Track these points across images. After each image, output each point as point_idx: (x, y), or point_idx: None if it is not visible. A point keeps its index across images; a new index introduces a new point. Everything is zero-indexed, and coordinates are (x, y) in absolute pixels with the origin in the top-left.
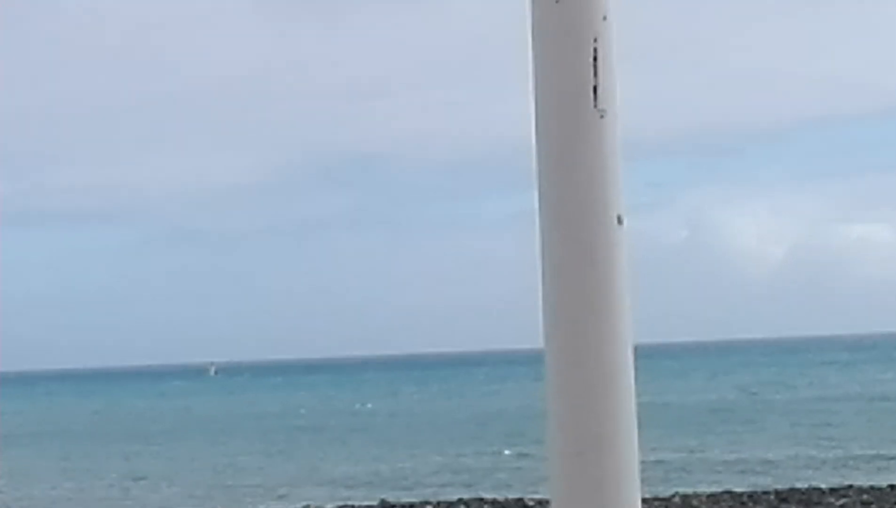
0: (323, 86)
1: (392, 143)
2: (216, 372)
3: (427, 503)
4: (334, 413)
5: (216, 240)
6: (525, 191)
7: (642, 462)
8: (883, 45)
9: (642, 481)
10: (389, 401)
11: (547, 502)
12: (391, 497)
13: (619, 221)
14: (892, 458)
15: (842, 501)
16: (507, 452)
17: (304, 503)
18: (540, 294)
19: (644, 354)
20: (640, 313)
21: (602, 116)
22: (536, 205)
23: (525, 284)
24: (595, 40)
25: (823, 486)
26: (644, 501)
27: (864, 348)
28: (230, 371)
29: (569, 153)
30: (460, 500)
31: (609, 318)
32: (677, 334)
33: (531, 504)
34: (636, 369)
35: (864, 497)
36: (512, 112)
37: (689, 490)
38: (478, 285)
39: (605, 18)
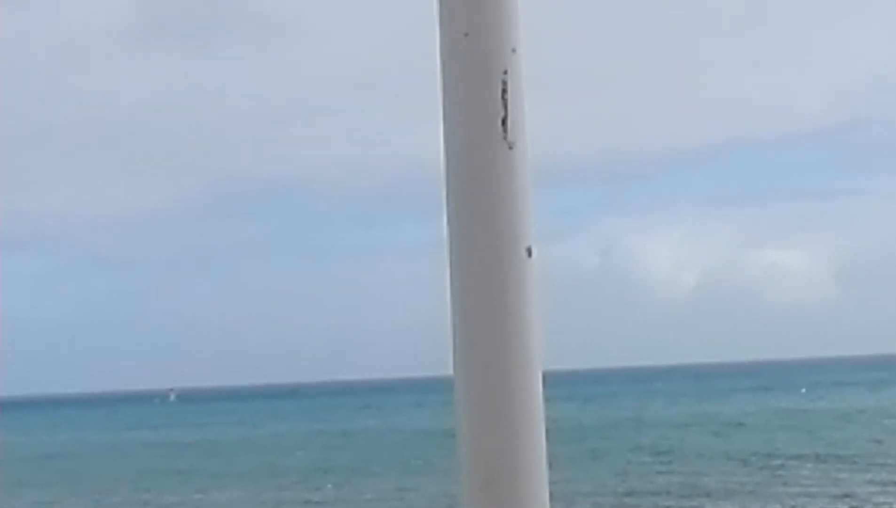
0: (234, 115)
1: (305, 170)
2: (176, 397)
3: None
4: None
5: (131, 267)
6: (439, 218)
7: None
8: (791, 74)
9: (556, 505)
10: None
11: None
12: None
13: (529, 253)
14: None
15: None
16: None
17: None
18: (449, 324)
19: (554, 381)
20: (551, 340)
21: (511, 148)
22: (446, 236)
23: (437, 311)
24: (504, 73)
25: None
26: None
27: (774, 373)
28: (189, 397)
29: (478, 185)
30: None
31: (518, 348)
32: (588, 360)
33: None
34: (547, 397)
35: None
36: (424, 140)
37: None
38: (392, 311)
39: (514, 51)
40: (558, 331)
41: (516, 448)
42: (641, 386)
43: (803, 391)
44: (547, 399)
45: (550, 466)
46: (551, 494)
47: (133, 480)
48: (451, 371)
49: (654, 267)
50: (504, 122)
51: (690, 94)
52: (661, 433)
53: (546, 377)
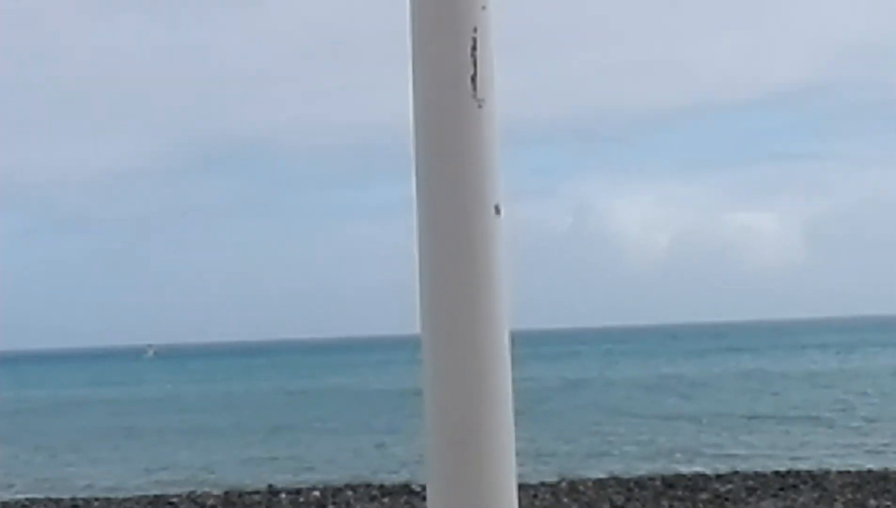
0: (204, 74)
1: (275, 129)
2: (155, 354)
3: (314, 488)
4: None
5: (103, 226)
6: (409, 178)
7: (520, 449)
8: (766, 38)
9: (524, 467)
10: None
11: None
12: (278, 482)
13: (497, 211)
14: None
15: (727, 486)
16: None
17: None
18: (417, 283)
19: (524, 341)
20: (523, 299)
21: (480, 106)
22: (414, 194)
23: (407, 270)
24: (474, 30)
25: (709, 472)
26: (531, 487)
27: (744, 335)
28: (168, 354)
29: (447, 143)
30: (347, 485)
31: (485, 306)
32: (559, 320)
33: (417, 489)
34: (514, 356)
35: (749, 482)
36: (395, 99)
37: (575, 476)
38: (362, 270)
39: (484, 8)
40: (530, 291)
41: (483, 408)
42: (610, 346)
43: (769, 352)
44: (514, 358)
45: (515, 425)
46: (517, 453)
47: (92, 437)
48: (418, 330)
49: (627, 228)
50: (473, 79)
51: (665, 56)
52: (626, 394)
53: (514, 337)
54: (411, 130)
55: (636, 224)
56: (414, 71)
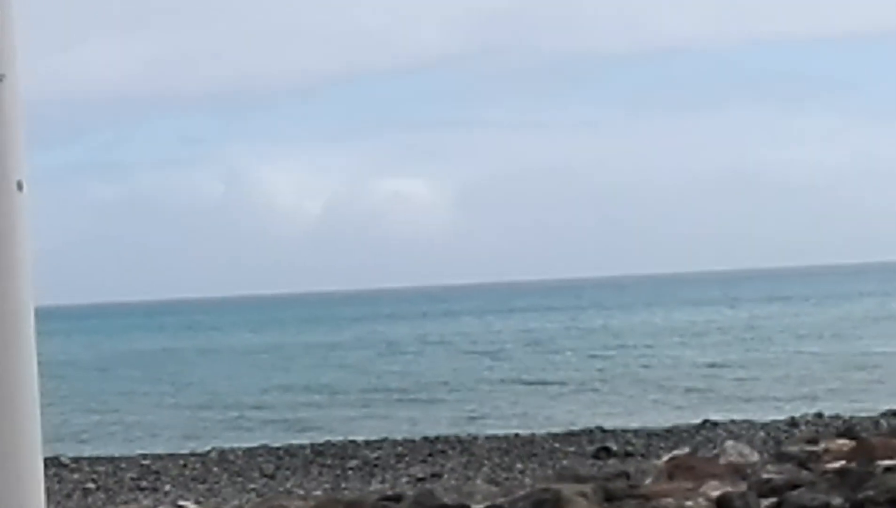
0: None
1: None
2: None
3: None
4: None
5: None
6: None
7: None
8: (413, 5)
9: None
10: None
11: (84, 459)
12: None
13: (20, 186)
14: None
15: (377, 453)
16: None
17: None
18: None
19: (161, 311)
20: (167, 270)
21: (0, 80)
22: None
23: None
24: None
25: (359, 439)
26: (180, 456)
27: (390, 302)
28: None
29: None
30: None
31: (7, 283)
32: (211, 289)
33: (66, 462)
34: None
35: (399, 448)
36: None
37: (226, 446)
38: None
39: None
40: (177, 260)
41: (5, 387)
42: (266, 316)
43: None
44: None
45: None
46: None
47: None
48: None
49: (278, 196)
50: None
51: (304, 22)
52: (251, 364)
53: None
54: None
55: (288, 192)
56: None
